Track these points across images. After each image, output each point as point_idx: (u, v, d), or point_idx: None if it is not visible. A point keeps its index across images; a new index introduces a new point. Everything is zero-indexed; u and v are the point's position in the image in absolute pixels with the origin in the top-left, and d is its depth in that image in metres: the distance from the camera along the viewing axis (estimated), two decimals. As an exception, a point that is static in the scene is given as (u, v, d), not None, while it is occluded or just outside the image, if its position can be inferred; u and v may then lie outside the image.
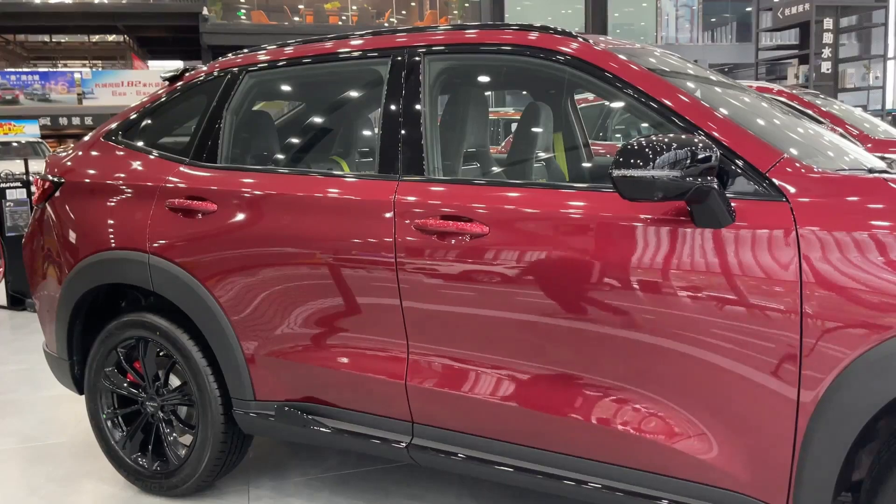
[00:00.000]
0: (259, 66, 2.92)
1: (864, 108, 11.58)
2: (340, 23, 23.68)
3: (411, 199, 2.37)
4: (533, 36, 2.41)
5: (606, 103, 6.89)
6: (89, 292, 2.99)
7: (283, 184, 2.67)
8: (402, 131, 2.48)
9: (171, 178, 2.84)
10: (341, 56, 2.76)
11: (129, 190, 2.92)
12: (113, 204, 2.91)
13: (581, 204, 2.18)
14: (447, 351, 2.37)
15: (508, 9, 23.12)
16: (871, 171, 2.06)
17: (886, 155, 2.82)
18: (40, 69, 23.56)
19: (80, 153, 3.16)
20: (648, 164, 1.83)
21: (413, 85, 2.51)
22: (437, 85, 2.59)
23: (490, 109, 9.33)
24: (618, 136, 7.54)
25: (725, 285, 1.91)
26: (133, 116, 3.11)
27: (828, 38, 11.56)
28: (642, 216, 2.02)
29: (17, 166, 9.12)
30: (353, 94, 3.56)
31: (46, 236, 3.14)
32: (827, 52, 11.56)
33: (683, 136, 1.88)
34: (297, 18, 24.09)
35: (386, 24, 23.62)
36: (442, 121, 2.80)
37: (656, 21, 29.61)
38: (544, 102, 3.16)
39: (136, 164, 2.97)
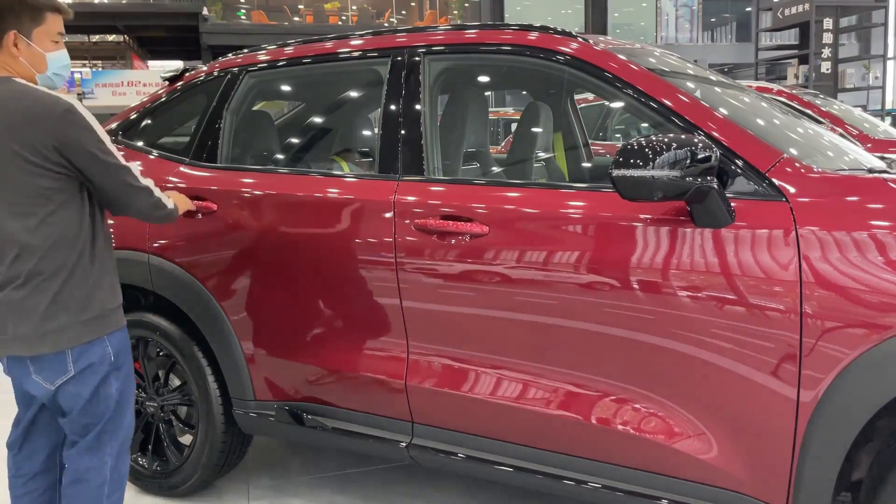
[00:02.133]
0: (259, 66, 2.92)
1: (864, 108, 11.56)
2: (340, 23, 23.66)
3: (411, 198, 2.37)
4: (533, 36, 2.41)
5: (606, 103, 6.89)
6: (89, 292, 2.98)
7: (283, 184, 2.67)
8: (402, 131, 2.48)
9: (171, 178, 2.84)
10: (341, 56, 2.76)
11: (129, 190, 2.91)
12: (113, 204, 2.90)
13: (581, 204, 2.18)
14: (447, 351, 2.36)
15: (508, 9, 23.10)
16: (870, 171, 2.06)
17: (886, 155, 2.82)
18: (40, 69, 23.47)
19: (80, 153, 3.16)
20: (648, 164, 1.83)
21: (413, 85, 2.51)
22: (437, 85, 2.59)
23: (490, 109, 9.33)
24: (618, 136, 7.53)
25: (725, 285, 1.91)
26: (133, 116, 3.11)
27: (827, 38, 11.55)
28: (642, 216, 2.02)
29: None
30: (353, 94, 3.56)
31: (46, 236, 3.14)
32: (827, 52, 11.55)
33: (683, 136, 1.88)
34: (297, 18, 24.06)
35: (386, 24, 23.61)
36: (442, 121, 2.80)
37: (656, 21, 29.58)
38: (544, 102, 3.16)
39: (136, 164, 2.96)
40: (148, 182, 2.13)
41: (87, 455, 2.08)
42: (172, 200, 2.26)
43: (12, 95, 1.94)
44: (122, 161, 2.05)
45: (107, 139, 2.01)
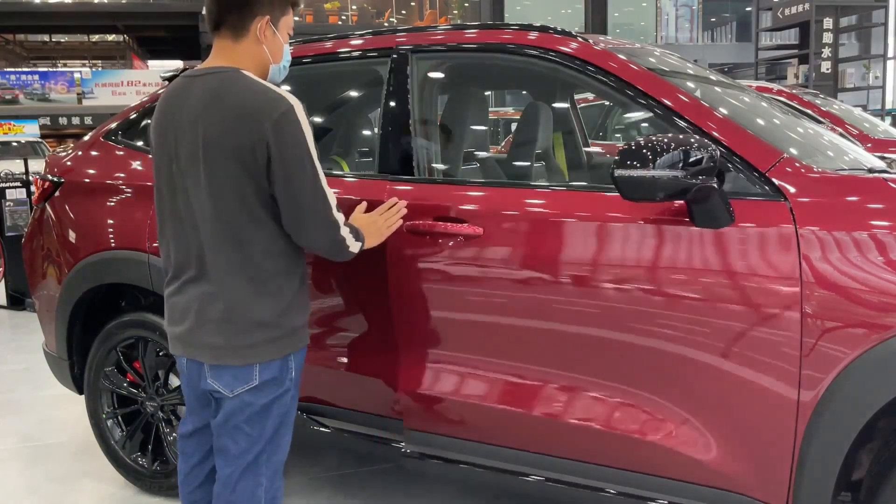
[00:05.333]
0: (259, 65, 2.91)
1: (864, 108, 11.56)
2: (340, 22, 23.66)
3: (405, 200, 2.36)
4: (532, 36, 2.41)
5: (606, 103, 6.89)
6: (89, 292, 2.99)
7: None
8: (402, 131, 2.47)
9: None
10: (341, 56, 2.76)
11: (129, 189, 2.91)
12: (113, 203, 2.91)
13: (581, 204, 2.18)
14: (440, 353, 2.35)
15: (508, 9, 23.11)
16: (871, 171, 2.06)
17: (886, 155, 2.82)
18: (40, 69, 23.56)
19: (80, 153, 3.16)
20: (649, 164, 1.83)
21: (412, 85, 2.50)
22: (437, 85, 2.58)
23: (490, 109, 9.32)
24: (618, 136, 7.53)
25: (725, 285, 1.91)
26: (133, 116, 3.10)
27: (828, 37, 11.55)
28: (642, 216, 2.02)
29: (16, 166, 9.12)
30: (353, 93, 3.55)
31: (46, 236, 3.14)
32: (827, 51, 11.55)
33: (683, 137, 1.87)
34: (296, 18, 24.04)
35: (385, 24, 23.60)
36: (441, 121, 2.80)
37: (656, 21, 29.60)
38: (544, 102, 3.16)
39: (136, 164, 2.96)
40: (339, 217, 1.95)
41: (242, 476, 1.94)
42: (361, 240, 2.04)
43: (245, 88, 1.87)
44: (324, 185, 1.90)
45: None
